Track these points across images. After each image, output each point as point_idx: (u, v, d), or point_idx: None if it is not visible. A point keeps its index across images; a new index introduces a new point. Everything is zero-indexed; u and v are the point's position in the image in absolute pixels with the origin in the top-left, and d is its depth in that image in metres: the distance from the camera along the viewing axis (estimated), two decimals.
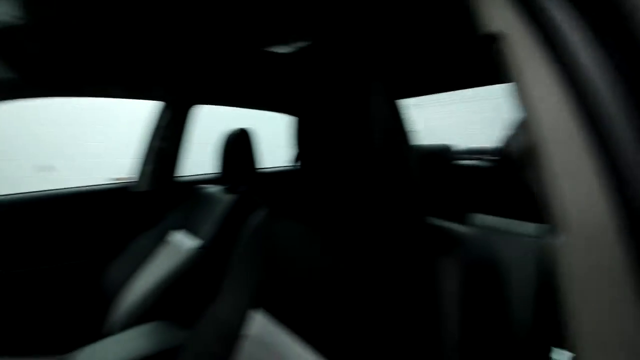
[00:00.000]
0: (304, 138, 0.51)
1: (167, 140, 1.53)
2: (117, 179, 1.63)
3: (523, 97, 0.25)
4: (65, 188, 1.42)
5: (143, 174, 1.53)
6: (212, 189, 1.38)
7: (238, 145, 1.28)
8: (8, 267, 1.23)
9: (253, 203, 1.15)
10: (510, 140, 0.24)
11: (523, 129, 0.27)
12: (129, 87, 1.32)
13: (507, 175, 1.40)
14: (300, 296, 0.54)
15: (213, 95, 1.55)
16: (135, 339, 0.76)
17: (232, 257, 0.66)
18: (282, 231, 0.61)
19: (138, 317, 0.90)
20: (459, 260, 0.37)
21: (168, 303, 0.94)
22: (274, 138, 1.73)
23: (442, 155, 1.72)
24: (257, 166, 1.36)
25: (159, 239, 1.31)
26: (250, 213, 1.10)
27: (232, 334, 0.59)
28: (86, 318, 1.40)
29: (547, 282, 0.58)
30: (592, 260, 0.20)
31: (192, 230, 1.23)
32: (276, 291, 0.58)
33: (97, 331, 1.41)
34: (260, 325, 0.58)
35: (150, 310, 0.91)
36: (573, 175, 0.22)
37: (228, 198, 1.20)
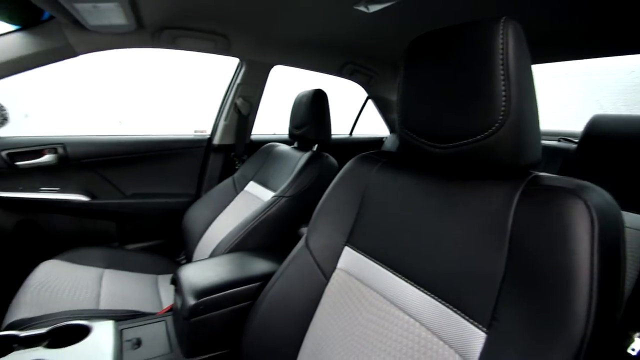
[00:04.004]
0: None
1: (245, 98, 1.64)
2: (199, 132, 1.79)
3: None
4: (154, 135, 1.61)
5: (221, 128, 1.68)
6: (284, 147, 1.46)
7: (312, 106, 1.27)
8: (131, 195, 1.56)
9: (326, 160, 1.21)
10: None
11: None
12: None
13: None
14: (386, 231, 0.60)
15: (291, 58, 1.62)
16: (232, 262, 0.87)
17: (325, 197, 0.73)
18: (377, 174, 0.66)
19: (226, 248, 1.02)
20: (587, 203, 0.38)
21: (254, 240, 1.05)
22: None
23: None
24: (331, 130, 1.37)
25: (235, 188, 1.44)
26: (324, 169, 1.17)
27: (324, 264, 0.67)
28: (175, 247, 1.65)
29: None
30: None
31: (266, 182, 1.33)
32: (364, 227, 0.64)
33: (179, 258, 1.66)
34: (349, 258, 0.64)
35: (239, 243, 1.03)
36: None
37: (301, 155, 1.27)
